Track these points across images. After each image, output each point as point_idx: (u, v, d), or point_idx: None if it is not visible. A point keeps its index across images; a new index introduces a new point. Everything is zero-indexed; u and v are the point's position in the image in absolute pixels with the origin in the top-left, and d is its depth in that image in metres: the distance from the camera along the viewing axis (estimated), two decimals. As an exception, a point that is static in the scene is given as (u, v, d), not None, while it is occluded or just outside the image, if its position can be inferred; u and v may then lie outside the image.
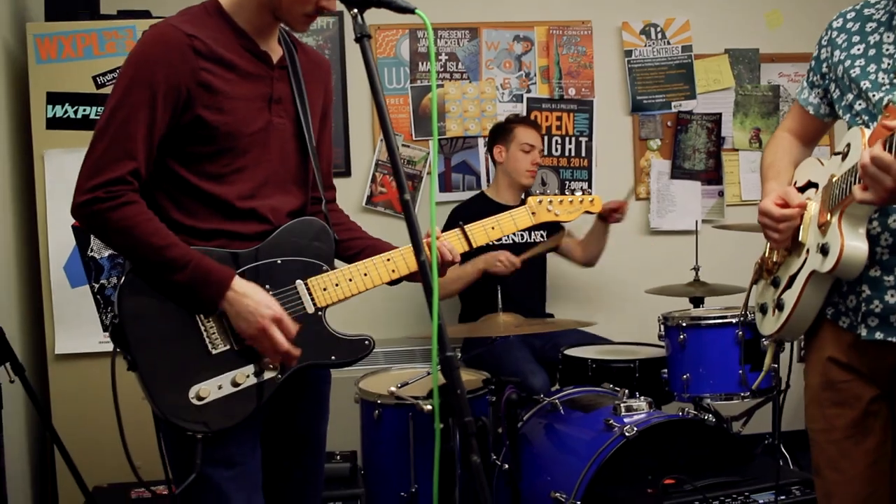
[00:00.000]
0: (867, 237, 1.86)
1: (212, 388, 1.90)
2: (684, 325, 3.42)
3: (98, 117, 3.23)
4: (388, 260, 2.10)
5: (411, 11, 1.68)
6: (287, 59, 2.07)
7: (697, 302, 3.78)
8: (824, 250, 1.89)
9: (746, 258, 2.44)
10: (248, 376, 1.94)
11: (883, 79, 1.93)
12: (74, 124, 3.34)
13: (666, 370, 3.47)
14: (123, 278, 1.92)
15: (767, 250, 2.18)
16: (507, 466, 2.98)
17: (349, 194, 4.28)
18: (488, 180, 4.41)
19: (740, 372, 3.34)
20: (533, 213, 2.31)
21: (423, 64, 4.42)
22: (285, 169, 2.06)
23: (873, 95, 1.92)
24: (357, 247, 2.20)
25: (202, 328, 1.92)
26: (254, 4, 1.98)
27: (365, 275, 2.07)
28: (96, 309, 3.34)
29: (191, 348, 1.91)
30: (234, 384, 1.92)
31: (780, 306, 2.07)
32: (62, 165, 3.29)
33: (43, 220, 3.33)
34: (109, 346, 1.95)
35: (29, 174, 3.39)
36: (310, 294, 2.02)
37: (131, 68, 1.89)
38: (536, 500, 2.95)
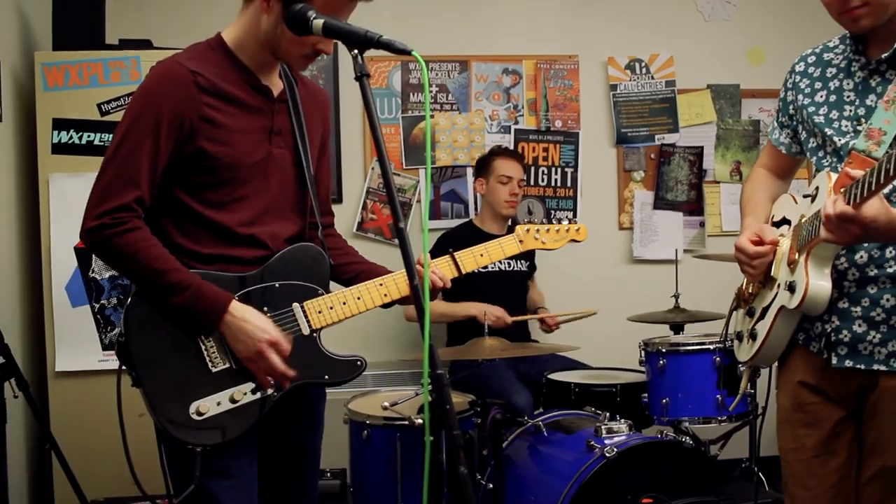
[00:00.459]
0: (836, 272, 1.94)
1: (211, 405, 1.98)
2: (664, 350, 3.44)
3: (102, 143, 3.35)
4: (381, 285, 2.17)
5: (408, 53, 1.75)
6: (287, 92, 2.15)
7: (678, 328, 3.81)
8: (791, 288, 1.97)
9: (726, 287, 2.48)
10: (245, 393, 2.01)
11: (846, 126, 1.99)
12: (79, 150, 3.37)
13: (646, 394, 3.50)
14: (130, 299, 1.99)
15: (745, 281, 2.24)
16: (491, 486, 3.02)
17: (341, 220, 4.16)
18: (476, 209, 4.47)
19: (718, 396, 3.37)
20: (521, 241, 2.40)
21: (414, 94, 4.50)
22: (284, 197, 2.14)
23: (838, 140, 1.99)
24: (353, 271, 2.27)
25: (202, 347, 2.00)
26: (255, 43, 2.06)
27: (358, 298, 2.15)
28: (96, 328, 3.35)
29: (192, 366, 1.99)
30: (233, 401, 2.00)
31: (753, 336, 2.14)
32: (66, 189, 3.32)
33: (46, 241, 3.34)
34: (108, 365, 2.01)
35: (34, 197, 3.41)
36: (305, 316, 2.09)
37: (138, 102, 1.98)
38: (520, 519, 3.00)
